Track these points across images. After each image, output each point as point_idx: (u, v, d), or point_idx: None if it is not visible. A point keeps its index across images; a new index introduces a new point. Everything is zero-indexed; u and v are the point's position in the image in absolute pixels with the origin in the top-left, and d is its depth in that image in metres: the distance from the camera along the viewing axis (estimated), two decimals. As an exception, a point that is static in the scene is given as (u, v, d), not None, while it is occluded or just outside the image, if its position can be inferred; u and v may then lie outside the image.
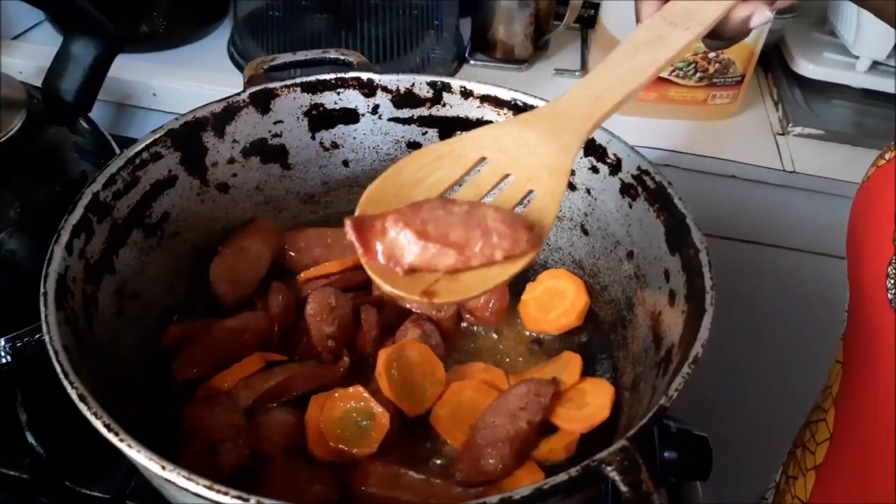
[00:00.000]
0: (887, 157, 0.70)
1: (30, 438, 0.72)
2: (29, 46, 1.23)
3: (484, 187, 0.55)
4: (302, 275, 0.81)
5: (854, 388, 0.74)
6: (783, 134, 1.19)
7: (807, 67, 1.20)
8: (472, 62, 1.28)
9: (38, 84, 0.91)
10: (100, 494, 0.71)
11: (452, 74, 1.25)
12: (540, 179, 0.54)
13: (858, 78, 1.19)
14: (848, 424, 0.75)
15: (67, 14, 0.90)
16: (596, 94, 0.57)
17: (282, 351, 0.74)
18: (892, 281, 0.64)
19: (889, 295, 0.65)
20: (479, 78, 0.83)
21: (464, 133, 0.58)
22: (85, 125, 0.92)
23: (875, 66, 1.18)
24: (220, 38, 1.29)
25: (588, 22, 1.34)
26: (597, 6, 1.25)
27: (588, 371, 0.76)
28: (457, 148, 0.57)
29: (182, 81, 1.19)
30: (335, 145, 0.84)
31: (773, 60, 1.29)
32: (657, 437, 0.76)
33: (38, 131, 0.83)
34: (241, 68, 1.21)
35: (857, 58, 1.18)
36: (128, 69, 1.15)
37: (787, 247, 1.21)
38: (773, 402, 1.17)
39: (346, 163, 0.86)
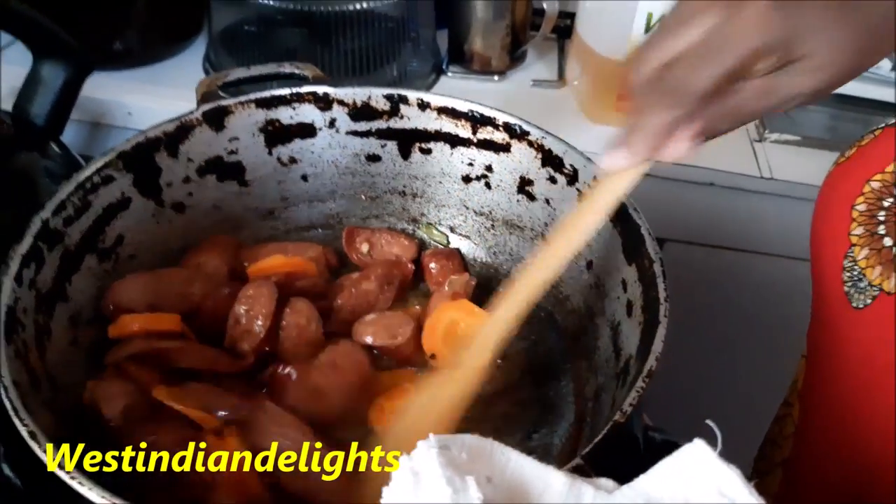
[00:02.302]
0: (847, 154, 0.71)
1: (6, 470, 0.70)
2: (2, 67, 1.23)
3: None
4: (251, 268, 0.79)
5: (815, 381, 0.75)
6: (760, 140, 1.18)
7: (783, 73, 1.20)
8: (449, 74, 1.28)
9: (9, 106, 0.91)
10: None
11: (430, 87, 1.25)
12: None
13: (834, 83, 1.18)
14: (810, 417, 0.76)
15: (35, 37, 0.90)
16: None
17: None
18: (848, 274, 0.65)
19: (845, 287, 0.65)
20: (457, 90, 0.82)
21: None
22: (56, 149, 0.91)
23: (851, 70, 1.17)
24: (195, 55, 1.28)
25: (565, 32, 1.33)
26: (573, 16, 1.24)
27: (551, 381, 0.76)
28: None
29: (157, 99, 1.18)
30: (293, 160, 0.84)
31: (751, 66, 1.28)
32: (643, 449, 0.76)
33: (7, 157, 0.83)
34: (216, 84, 1.21)
35: (833, 62, 1.17)
36: (102, 88, 1.15)
37: (766, 252, 1.20)
38: (752, 406, 1.16)
39: (304, 177, 0.85)
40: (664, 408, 0.80)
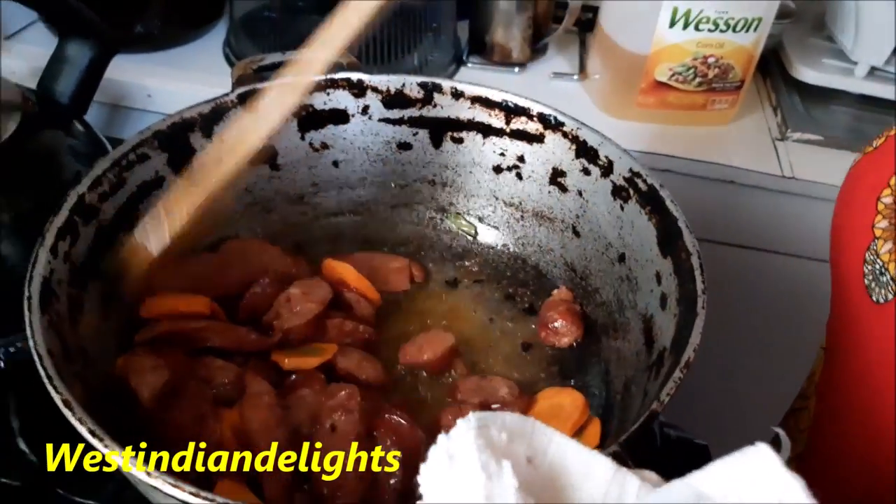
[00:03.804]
0: (875, 143, 0.70)
1: (21, 445, 0.70)
2: (22, 47, 1.23)
3: None
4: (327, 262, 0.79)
5: (833, 375, 0.74)
6: (782, 139, 1.18)
7: (805, 73, 1.20)
8: (469, 65, 1.28)
9: (32, 85, 0.90)
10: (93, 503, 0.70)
11: (450, 77, 1.24)
12: None
13: (857, 84, 1.18)
14: (827, 410, 0.75)
15: (62, 16, 0.89)
16: None
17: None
18: (869, 267, 0.64)
19: (866, 280, 0.64)
20: (476, 81, 0.82)
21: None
22: (80, 128, 0.91)
23: (873, 71, 1.17)
24: (215, 40, 1.28)
25: (587, 25, 1.33)
26: (595, 9, 1.24)
27: (579, 374, 0.75)
28: None
29: (177, 83, 1.18)
30: (325, 146, 0.83)
31: (772, 66, 1.28)
32: (659, 445, 0.76)
33: (32, 135, 0.82)
34: (236, 70, 1.21)
35: (855, 63, 1.17)
36: (122, 70, 1.14)
37: (786, 252, 1.20)
38: (772, 408, 1.16)
39: (335, 163, 0.85)
40: (676, 405, 0.80)
